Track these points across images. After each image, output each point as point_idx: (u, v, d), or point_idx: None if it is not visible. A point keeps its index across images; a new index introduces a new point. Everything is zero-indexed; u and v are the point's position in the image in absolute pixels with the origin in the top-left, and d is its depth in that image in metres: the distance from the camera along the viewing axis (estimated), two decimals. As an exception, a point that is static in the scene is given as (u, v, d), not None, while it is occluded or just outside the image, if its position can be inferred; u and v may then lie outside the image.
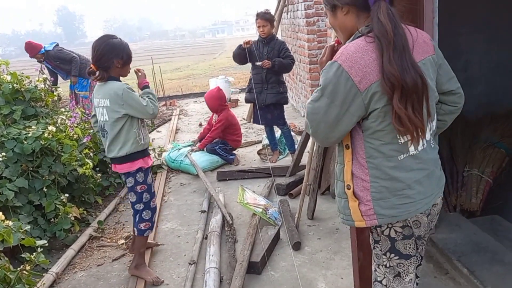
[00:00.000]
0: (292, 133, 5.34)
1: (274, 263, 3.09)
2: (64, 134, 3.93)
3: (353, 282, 2.44)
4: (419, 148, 1.53)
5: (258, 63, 4.66)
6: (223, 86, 8.71)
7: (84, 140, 4.26)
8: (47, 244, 3.02)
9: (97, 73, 2.73)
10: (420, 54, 1.51)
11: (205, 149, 5.30)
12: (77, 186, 4.04)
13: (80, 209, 3.88)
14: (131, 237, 3.40)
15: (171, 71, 18.73)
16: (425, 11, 2.40)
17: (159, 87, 10.59)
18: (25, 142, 3.62)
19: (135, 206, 2.95)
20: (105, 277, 3.16)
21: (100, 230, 3.81)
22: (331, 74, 1.45)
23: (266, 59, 4.64)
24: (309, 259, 3.09)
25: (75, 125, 4.29)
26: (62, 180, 3.80)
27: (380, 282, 1.74)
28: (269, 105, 4.77)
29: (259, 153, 5.51)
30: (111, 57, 2.71)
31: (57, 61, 6.65)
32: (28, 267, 2.69)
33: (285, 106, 5.05)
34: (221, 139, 5.33)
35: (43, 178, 3.63)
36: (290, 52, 4.71)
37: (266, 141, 5.44)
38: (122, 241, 3.60)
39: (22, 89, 4.25)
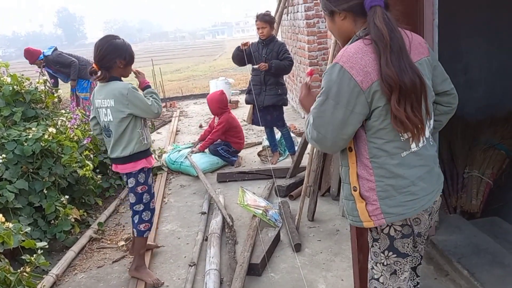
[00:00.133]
0: (292, 135, 5.35)
1: (274, 265, 3.09)
2: (64, 135, 3.93)
3: (353, 283, 2.45)
4: (420, 144, 1.58)
5: (255, 66, 4.68)
6: (223, 88, 8.73)
7: (84, 142, 4.26)
8: (47, 246, 3.03)
9: (99, 73, 2.73)
10: (416, 55, 1.57)
11: (207, 150, 5.30)
12: (77, 187, 4.04)
13: (80, 210, 3.88)
14: (131, 238, 3.40)
15: (171, 73, 18.75)
16: (425, 13, 2.41)
17: (159, 89, 10.60)
18: (25, 144, 3.62)
19: (134, 207, 2.95)
20: (105, 278, 3.16)
21: (100, 231, 3.81)
22: (334, 76, 1.49)
23: (265, 60, 4.64)
24: (309, 261, 3.09)
25: (76, 126, 4.29)
26: (62, 182, 3.80)
27: (377, 279, 1.76)
28: (268, 106, 4.77)
29: (259, 154, 5.51)
30: (114, 57, 2.71)
31: (57, 66, 6.67)
32: (28, 269, 2.69)
33: (285, 107, 5.06)
34: (223, 140, 5.33)
35: (43, 180, 3.63)
36: (288, 54, 4.70)
37: (266, 143, 5.44)
38: (122, 242, 3.60)
39: (23, 91, 4.25)
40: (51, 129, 3.74)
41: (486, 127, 3.93)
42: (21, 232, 2.81)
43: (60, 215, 3.55)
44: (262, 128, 5.37)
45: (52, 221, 3.55)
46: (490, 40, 4.08)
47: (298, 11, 6.58)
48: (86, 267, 3.31)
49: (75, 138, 4.08)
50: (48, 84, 4.73)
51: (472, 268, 2.62)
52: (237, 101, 9.18)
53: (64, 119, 4.23)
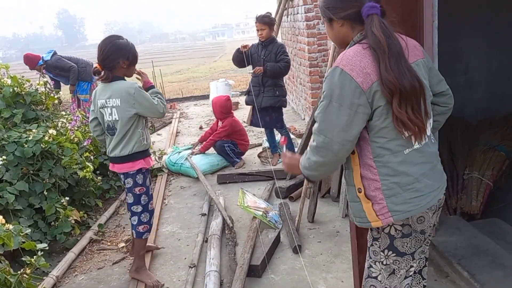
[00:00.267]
0: (292, 136, 5.34)
1: (275, 266, 3.09)
2: (64, 137, 3.94)
3: (353, 285, 2.45)
4: (422, 142, 1.62)
5: (250, 71, 4.71)
6: (223, 89, 8.75)
7: (85, 143, 4.27)
8: (47, 248, 3.03)
9: (102, 73, 2.74)
10: (413, 56, 1.63)
11: (213, 147, 5.30)
12: (77, 189, 4.04)
13: (81, 212, 3.88)
14: (131, 240, 3.40)
15: (171, 74, 18.76)
16: (425, 14, 2.41)
17: (159, 90, 10.60)
18: (26, 146, 3.62)
19: (132, 208, 2.95)
20: (106, 280, 3.16)
21: (101, 233, 3.81)
22: (336, 79, 1.55)
23: (264, 62, 4.67)
24: (309, 262, 3.09)
25: (76, 128, 4.30)
26: (62, 183, 3.80)
27: (375, 278, 1.77)
28: (266, 107, 4.78)
29: (259, 156, 5.51)
30: (117, 57, 2.72)
31: (57, 70, 6.70)
32: (28, 271, 2.69)
33: (285, 109, 5.06)
34: (231, 139, 5.33)
35: (44, 182, 3.64)
36: (286, 55, 4.70)
37: (266, 144, 5.44)
38: (123, 244, 3.61)
39: (23, 93, 4.26)
40: (52, 131, 3.74)
41: (486, 128, 3.92)
42: (21, 234, 2.81)
43: (60, 216, 3.55)
44: (262, 129, 5.37)
45: (52, 223, 3.55)
46: (490, 40, 4.08)
47: (298, 13, 6.58)
48: (86, 269, 3.31)
49: (76, 139, 4.08)
50: (48, 85, 4.73)
51: (472, 269, 2.62)
52: (237, 103, 9.17)
53: (65, 120, 4.24)
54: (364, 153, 1.61)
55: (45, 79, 5.20)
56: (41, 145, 3.63)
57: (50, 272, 3.14)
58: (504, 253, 2.77)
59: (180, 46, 58.33)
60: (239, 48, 4.76)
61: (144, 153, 2.89)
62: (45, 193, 3.60)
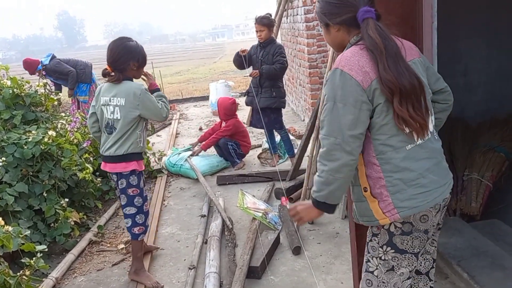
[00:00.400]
0: (291, 137, 5.34)
1: (274, 268, 3.09)
2: (64, 138, 3.94)
3: (353, 286, 2.44)
4: (425, 137, 1.63)
5: (246, 75, 4.74)
6: (223, 90, 8.75)
7: (84, 145, 4.27)
8: (46, 249, 3.02)
9: (113, 75, 2.75)
10: (409, 56, 1.67)
11: (217, 144, 5.30)
12: (77, 190, 4.04)
13: (80, 213, 3.88)
14: (131, 241, 3.40)
15: (171, 75, 18.76)
16: (424, 16, 2.41)
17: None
18: (25, 147, 3.62)
19: (124, 210, 2.94)
20: (105, 282, 3.16)
21: (100, 234, 3.81)
22: (337, 80, 1.57)
23: (262, 63, 4.70)
24: (309, 264, 3.09)
25: (75, 129, 4.29)
26: (62, 185, 3.80)
27: (372, 272, 1.76)
28: (265, 108, 4.79)
29: (259, 157, 5.51)
30: (128, 59, 2.74)
31: (56, 74, 6.71)
32: (27, 272, 2.69)
33: (284, 110, 5.06)
34: (234, 140, 5.34)
35: (43, 183, 3.63)
36: (282, 56, 4.71)
37: (266, 145, 5.44)
38: (122, 245, 3.60)
39: (22, 94, 4.26)
40: (51, 132, 3.74)
41: (486, 129, 3.93)
42: (21, 235, 2.81)
43: (60, 218, 3.54)
44: (262, 130, 5.38)
45: (52, 224, 3.55)
46: (490, 41, 4.08)
47: (297, 14, 6.58)
48: (86, 270, 3.31)
49: (75, 141, 4.08)
50: (48, 87, 4.73)
51: (472, 270, 2.62)
52: (237, 104, 9.17)
53: (64, 122, 4.24)
54: (367, 151, 1.63)
55: (45, 81, 5.20)
56: (41, 146, 3.63)
57: (49, 273, 3.13)
58: (504, 255, 2.77)
59: (180, 47, 58.39)
60: (238, 52, 4.79)
61: (138, 155, 2.89)
62: (45, 194, 3.60)
